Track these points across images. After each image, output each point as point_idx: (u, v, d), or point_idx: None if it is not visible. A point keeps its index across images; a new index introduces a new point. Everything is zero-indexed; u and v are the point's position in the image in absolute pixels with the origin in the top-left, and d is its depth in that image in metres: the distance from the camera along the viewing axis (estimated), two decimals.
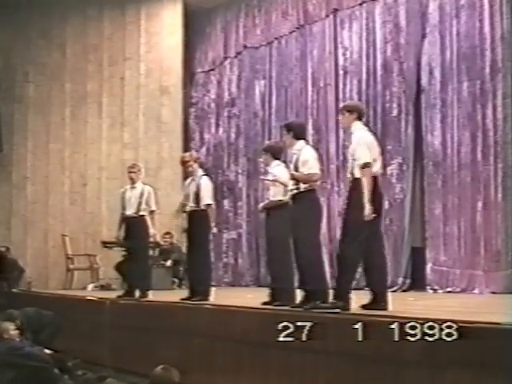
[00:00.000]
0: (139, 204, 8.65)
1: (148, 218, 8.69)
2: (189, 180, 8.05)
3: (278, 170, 6.87)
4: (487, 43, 8.77)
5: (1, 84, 13.13)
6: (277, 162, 6.96)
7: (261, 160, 7.37)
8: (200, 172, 7.98)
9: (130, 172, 8.80)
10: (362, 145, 5.54)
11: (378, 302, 5.53)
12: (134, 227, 8.69)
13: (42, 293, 11.27)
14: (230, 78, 13.29)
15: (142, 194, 8.69)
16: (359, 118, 5.77)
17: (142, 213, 8.66)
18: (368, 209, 5.28)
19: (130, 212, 8.68)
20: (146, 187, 8.79)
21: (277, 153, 7.02)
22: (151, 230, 8.72)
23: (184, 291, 8.37)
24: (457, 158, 9.06)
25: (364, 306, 5.54)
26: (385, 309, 5.47)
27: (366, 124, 5.96)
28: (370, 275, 5.68)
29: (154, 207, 8.76)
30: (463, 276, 8.80)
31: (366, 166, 5.44)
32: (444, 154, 9.22)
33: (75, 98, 13.35)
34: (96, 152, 13.31)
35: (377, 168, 5.60)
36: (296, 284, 6.62)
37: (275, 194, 6.87)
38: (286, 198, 6.55)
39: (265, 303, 6.68)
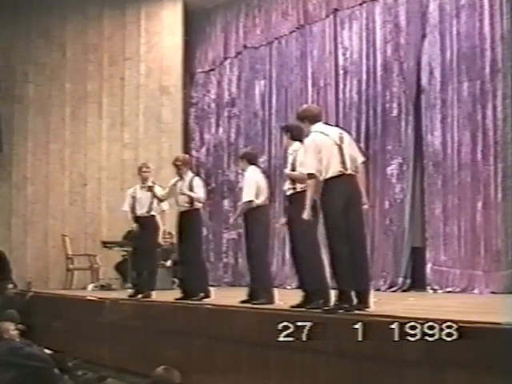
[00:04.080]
0: (151, 204, 8.74)
1: (159, 218, 8.76)
2: (173, 180, 8.15)
3: (249, 174, 7.16)
4: (487, 43, 8.76)
5: (1, 84, 13.12)
6: (252, 167, 7.25)
7: (238, 166, 7.62)
8: (190, 174, 8.12)
9: (144, 172, 8.88)
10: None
11: (361, 301, 5.51)
12: (144, 227, 8.75)
13: (42, 293, 11.27)
14: (230, 78, 13.28)
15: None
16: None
17: (153, 213, 8.74)
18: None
19: (141, 212, 8.76)
20: (156, 187, 8.86)
21: (252, 158, 7.39)
22: (162, 229, 8.86)
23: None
24: (457, 157, 9.05)
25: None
26: (367, 307, 5.46)
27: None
28: (354, 276, 5.68)
29: (164, 207, 8.83)
30: (463, 276, 8.80)
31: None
32: (444, 153, 9.21)
33: (75, 98, 13.34)
34: (96, 152, 13.30)
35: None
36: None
37: (246, 196, 7.04)
38: (259, 200, 7.00)
39: (243, 301, 6.85)
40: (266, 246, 7.45)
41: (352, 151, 5.76)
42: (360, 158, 5.83)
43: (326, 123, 6.16)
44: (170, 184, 8.26)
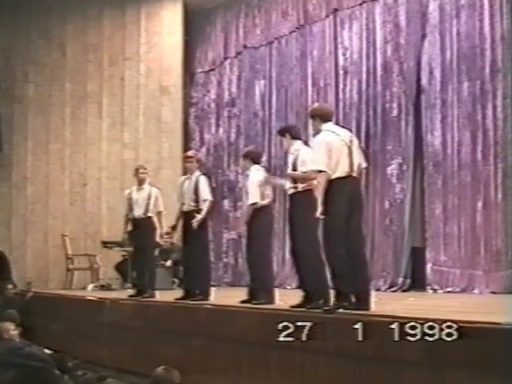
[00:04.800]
0: (147, 205, 8.79)
1: (155, 219, 8.77)
2: (182, 178, 8.20)
3: (255, 174, 7.13)
4: (487, 43, 8.76)
5: (1, 84, 13.13)
6: (256, 166, 7.22)
7: (240, 165, 7.62)
8: (197, 172, 8.08)
9: (140, 173, 8.91)
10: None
11: (361, 302, 5.52)
12: (141, 228, 8.79)
13: (42, 293, 11.27)
14: (230, 78, 13.28)
15: (149, 196, 8.85)
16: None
17: (149, 214, 8.79)
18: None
19: (138, 213, 8.80)
20: (153, 189, 8.94)
21: (256, 157, 7.35)
22: (159, 231, 8.87)
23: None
24: (457, 157, 9.05)
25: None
26: (367, 309, 5.46)
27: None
28: (353, 278, 5.67)
29: (161, 208, 8.89)
30: (463, 276, 8.80)
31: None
32: (444, 154, 9.21)
33: (75, 98, 13.34)
34: (96, 152, 13.30)
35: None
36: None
37: (252, 197, 7.06)
38: (265, 201, 7.03)
39: (243, 301, 6.86)
40: (269, 245, 7.46)
41: (359, 155, 5.82)
42: (364, 164, 5.90)
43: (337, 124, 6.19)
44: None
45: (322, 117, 5.92)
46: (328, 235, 5.61)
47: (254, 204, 7.00)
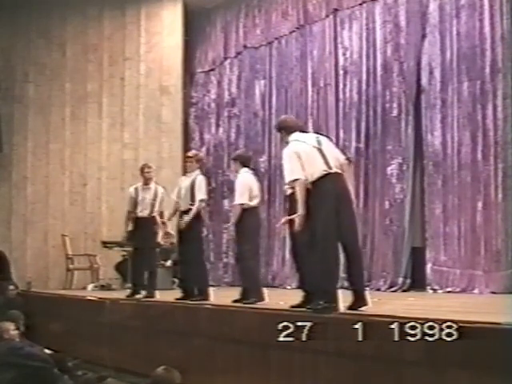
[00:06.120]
0: (153, 205, 8.77)
1: (158, 219, 8.77)
2: (183, 178, 8.22)
3: (242, 176, 7.28)
4: (487, 43, 8.76)
5: (1, 84, 13.13)
6: (245, 169, 7.37)
7: (231, 168, 7.73)
8: (197, 171, 8.09)
9: (146, 172, 8.89)
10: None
11: (359, 300, 5.54)
12: (145, 227, 8.77)
13: (42, 293, 11.27)
14: (230, 78, 13.29)
15: (156, 195, 8.83)
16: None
17: (154, 214, 8.78)
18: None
19: (142, 213, 8.78)
20: (159, 188, 8.92)
21: (245, 161, 7.50)
22: (161, 231, 8.86)
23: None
24: (457, 158, 9.05)
25: (349, 307, 5.53)
26: (365, 304, 5.50)
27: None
28: (349, 275, 5.69)
29: (163, 208, 8.88)
30: (463, 276, 8.80)
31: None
32: (444, 154, 9.21)
33: (75, 98, 13.35)
34: (96, 152, 13.31)
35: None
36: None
37: (238, 199, 7.19)
38: (252, 203, 7.17)
39: (235, 301, 6.97)
40: (257, 246, 7.55)
41: (333, 152, 5.90)
42: (342, 157, 5.95)
43: (303, 131, 6.26)
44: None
45: (286, 129, 6.09)
46: (318, 235, 5.61)
47: (241, 205, 7.12)
